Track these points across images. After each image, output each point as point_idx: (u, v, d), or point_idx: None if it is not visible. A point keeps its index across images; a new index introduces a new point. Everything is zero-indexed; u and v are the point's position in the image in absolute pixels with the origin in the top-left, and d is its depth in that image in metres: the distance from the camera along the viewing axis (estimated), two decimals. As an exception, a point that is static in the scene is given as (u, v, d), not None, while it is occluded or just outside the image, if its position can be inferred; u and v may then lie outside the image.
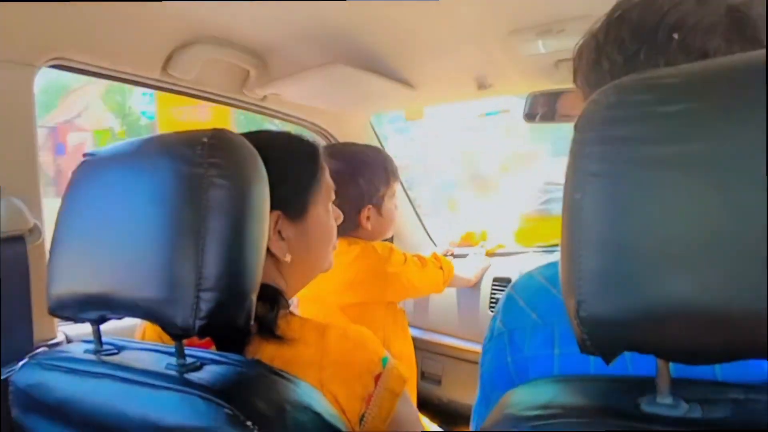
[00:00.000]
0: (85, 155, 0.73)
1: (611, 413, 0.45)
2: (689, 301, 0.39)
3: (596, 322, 0.43)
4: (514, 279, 1.82)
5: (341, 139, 1.86)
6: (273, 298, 0.77)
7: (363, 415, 0.72)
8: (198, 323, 0.57)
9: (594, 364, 0.57)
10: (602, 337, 0.44)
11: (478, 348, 1.86)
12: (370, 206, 1.43)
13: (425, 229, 2.23)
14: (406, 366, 1.46)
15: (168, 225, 0.59)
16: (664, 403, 0.44)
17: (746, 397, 0.44)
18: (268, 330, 0.72)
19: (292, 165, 0.85)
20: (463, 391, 1.90)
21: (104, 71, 1.14)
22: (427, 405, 1.93)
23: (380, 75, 1.40)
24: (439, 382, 1.97)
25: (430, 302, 2.00)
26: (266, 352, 0.71)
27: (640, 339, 0.43)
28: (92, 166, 0.71)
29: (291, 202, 0.84)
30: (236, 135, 0.64)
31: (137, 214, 0.62)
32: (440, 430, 1.51)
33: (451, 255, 2.00)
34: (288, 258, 0.82)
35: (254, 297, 0.62)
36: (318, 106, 1.71)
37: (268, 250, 0.80)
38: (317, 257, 0.90)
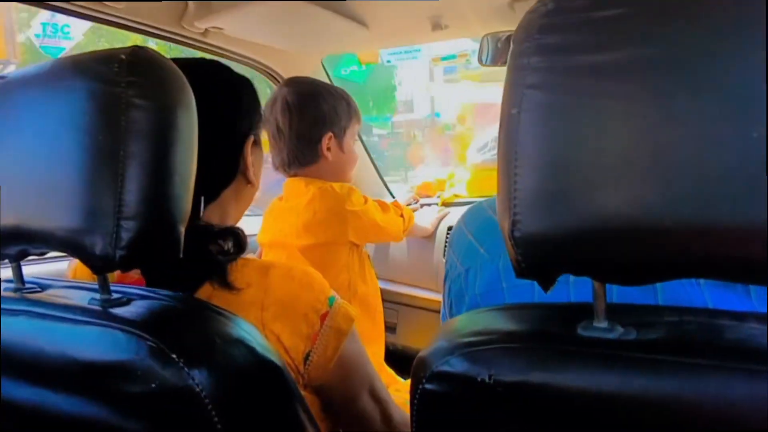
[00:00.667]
0: None
1: (547, 338, 0.44)
2: (625, 216, 0.38)
3: (531, 242, 0.41)
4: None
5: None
6: (238, 238, 0.74)
7: (308, 354, 0.71)
8: (119, 253, 0.53)
9: (539, 296, 0.56)
10: (537, 258, 0.42)
11: (433, 296, 1.89)
12: (332, 135, 1.38)
13: (383, 180, 2.21)
14: (372, 309, 1.48)
15: (84, 149, 0.54)
16: (600, 327, 0.43)
17: (680, 319, 0.44)
18: (221, 278, 0.69)
19: (250, 94, 0.85)
20: (418, 339, 1.93)
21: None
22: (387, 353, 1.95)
23: (331, 11, 1.34)
24: (394, 330, 1.98)
25: (386, 252, 1.99)
26: (204, 291, 0.68)
27: (576, 259, 0.41)
28: (2, 89, 0.65)
29: (255, 128, 0.84)
30: (157, 53, 0.58)
31: (52, 139, 0.57)
32: (392, 372, 1.52)
33: (416, 202, 1.99)
34: (257, 183, 0.84)
35: (182, 228, 0.58)
36: (265, 43, 1.63)
37: (237, 177, 0.80)
38: (259, 182, 0.89)
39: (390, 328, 1.98)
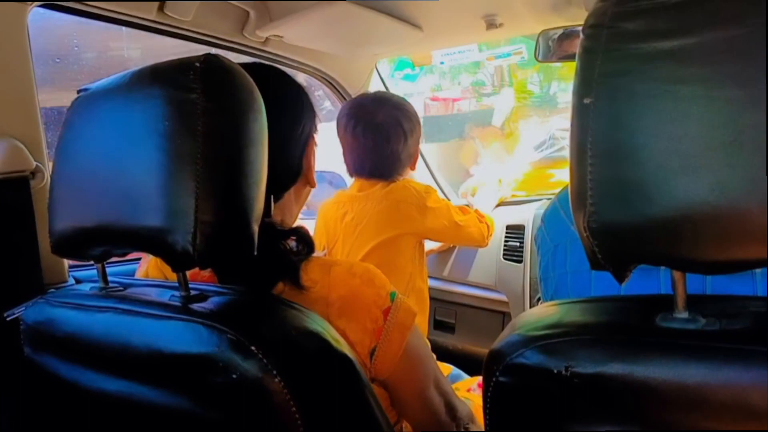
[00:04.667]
0: (78, 91, 0.71)
1: (624, 329, 0.44)
2: (706, 203, 0.37)
3: (607, 233, 0.41)
4: (527, 225, 1.83)
5: (346, 86, 1.82)
6: (306, 239, 0.76)
7: (373, 350, 0.72)
8: (198, 251, 0.55)
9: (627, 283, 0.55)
10: (614, 249, 0.42)
11: (492, 296, 1.86)
12: (413, 151, 1.46)
13: (437, 183, 2.20)
14: (424, 305, 1.50)
15: (164, 153, 0.57)
16: (680, 318, 0.42)
17: (766, 310, 0.42)
18: (293, 275, 0.71)
19: (306, 101, 0.86)
20: (476, 339, 1.91)
21: (98, 11, 1.11)
22: (440, 353, 1.94)
23: (386, 14, 1.35)
24: (452, 330, 1.97)
25: (444, 251, 1.98)
26: (273, 291, 0.70)
27: (654, 249, 0.41)
28: (86, 100, 0.69)
29: (313, 133, 0.85)
30: (229, 60, 0.61)
31: (133, 144, 0.60)
32: (453, 367, 1.52)
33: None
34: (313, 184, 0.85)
35: (256, 227, 0.61)
36: (321, 49, 1.66)
37: (299, 179, 0.82)
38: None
39: (448, 328, 1.97)
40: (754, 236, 0.37)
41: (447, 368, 1.49)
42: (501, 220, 1.85)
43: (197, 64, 0.58)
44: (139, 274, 0.87)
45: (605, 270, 0.44)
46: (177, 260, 0.57)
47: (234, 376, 0.50)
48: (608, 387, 0.41)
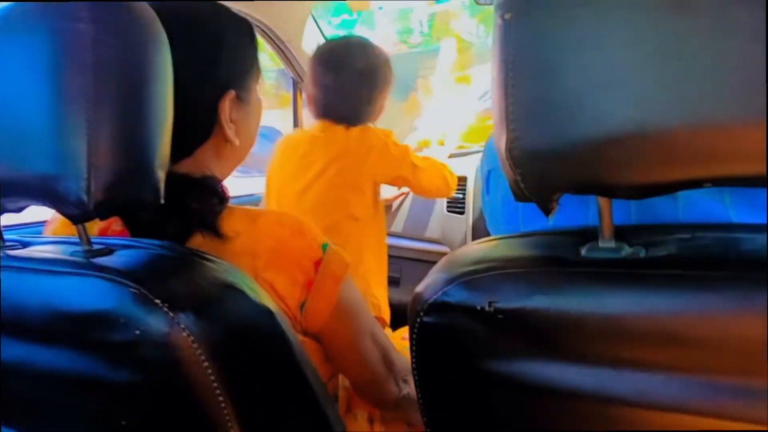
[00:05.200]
0: None
1: (548, 262, 0.42)
2: (630, 121, 0.34)
3: (531, 159, 0.38)
4: (470, 177, 1.82)
5: (280, 34, 1.74)
6: (215, 189, 0.70)
7: (304, 303, 0.69)
8: (93, 200, 0.50)
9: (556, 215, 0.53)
10: (538, 177, 0.39)
11: (436, 248, 1.85)
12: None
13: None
14: (381, 251, 1.53)
15: (49, 91, 0.51)
16: (606, 247, 0.41)
17: (692, 236, 0.41)
18: (210, 227, 0.66)
19: (236, 40, 0.76)
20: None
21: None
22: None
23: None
24: (397, 284, 1.97)
25: (395, 205, 1.96)
26: (192, 243, 0.66)
27: (579, 175, 0.38)
28: None
29: (240, 81, 0.75)
30: None
31: (17, 83, 0.53)
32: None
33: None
34: (237, 142, 0.74)
35: (162, 173, 0.55)
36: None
37: (214, 134, 0.73)
38: (253, 140, 0.83)
39: (394, 282, 1.97)
40: (680, 156, 0.35)
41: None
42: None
43: None
44: (46, 232, 0.80)
45: (531, 201, 0.42)
46: (72, 211, 0.52)
47: (137, 332, 0.46)
48: (532, 322, 0.40)
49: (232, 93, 0.73)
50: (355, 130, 1.41)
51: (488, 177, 0.63)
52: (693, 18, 0.33)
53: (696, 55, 0.33)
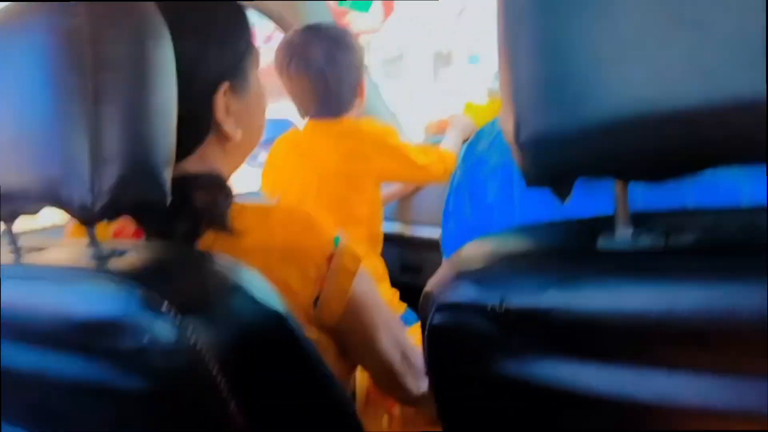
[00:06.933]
0: None
1: (560, 255, 0.40)
2: (644, 98, 0.32)
3: (540, 143, 0.36)
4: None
5: (287, 16, 1.70)
6: (220, 186, 0.69)
7: (317, 298, 0.68)
8: (99, 202, 0.49)
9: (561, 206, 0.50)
10: (547, 163, 0.37)
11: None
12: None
13: (394, 117, 2.13)
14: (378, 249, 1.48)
15: (48, 92, 0.50)
16: (623, 237, 0.38)
17: (716, 223, 0.38)
18: (220, 224, 0.65)
19: (225, 27, 0.71)
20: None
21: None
22: (410, 295, 1.92)
23: None
24: (419, 271, 1.95)
25: (407, 194, 1.94)
26: (204, 241, 0.65)
27: (592, 158, 0.36)
28: None
29: (233, 70, 0.70)
30: None
31: (18, 85, 0.53)
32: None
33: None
34: (238, 136, 0.71)
35: (168, 172, 0.55)
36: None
37: (213, 130, 0.70)
38: (259, 133, 0.80)
39: (415, 271, 1.95)
40: (702, 134, 0.32)
41: (402, 305, 1.47)
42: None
43: None
44: (66, 233, 0.80)
45: (543, 186, 0.39)
46: (78, 214, 0.51)
47: (145, 339, 0.46)
48: (544, 319, 0.38)
49: (225, 84, 0.69)
50: (350, 126, 1.36)
51: (471, 187, 0.60)
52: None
53: (716, 21, 0.30)
